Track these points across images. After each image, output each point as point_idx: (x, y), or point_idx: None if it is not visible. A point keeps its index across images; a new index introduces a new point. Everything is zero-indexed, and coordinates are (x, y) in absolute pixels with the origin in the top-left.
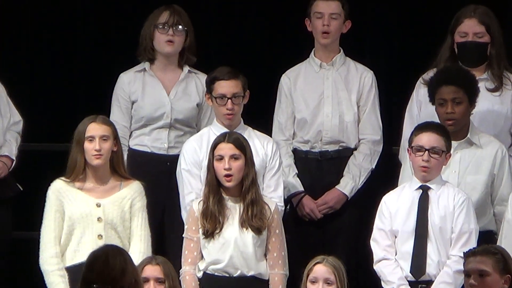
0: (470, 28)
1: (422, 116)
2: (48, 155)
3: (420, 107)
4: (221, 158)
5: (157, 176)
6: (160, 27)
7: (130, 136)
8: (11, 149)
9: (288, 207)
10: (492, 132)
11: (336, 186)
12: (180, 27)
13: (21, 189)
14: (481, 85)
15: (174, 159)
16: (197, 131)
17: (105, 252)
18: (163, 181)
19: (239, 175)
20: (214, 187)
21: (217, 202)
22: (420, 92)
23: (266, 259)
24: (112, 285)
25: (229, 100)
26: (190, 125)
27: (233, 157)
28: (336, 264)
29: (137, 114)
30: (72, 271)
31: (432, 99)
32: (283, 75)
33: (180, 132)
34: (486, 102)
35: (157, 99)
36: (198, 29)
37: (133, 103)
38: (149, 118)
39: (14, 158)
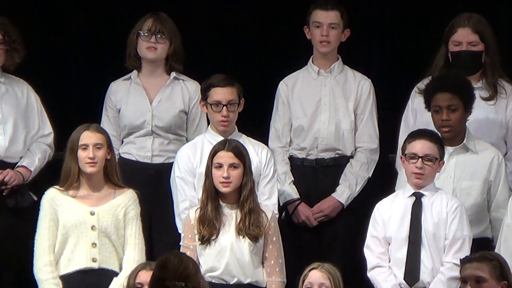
0: (464, 37)
1: (417, 124)
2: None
3: (415, 115)
4: (220, 166)
5: (142, 184)
6: (143, 34)
7: (122, 143)
8: (33, 160)
9: (283, 214)
10: (488, 141)
11: (332, 194)
12: (163, 35)
13: (35, 199)
14: (476, 93)
15: (158, 167)
16: (186, 139)
17: (178, 254)
18: (149, 190)
19: (237, 183)
20: (212, 193)
21: (215, 209)
22: (415, 101)
23: (264, 267)
24: (186, 281)
25: (225, 107)
26: (175, 132)
27: (232, 166)
28: (332, 270)
29: (121, 122)
30: (66, 279)
31: (428, 106)
32: (281, 82)
33: (165, 140)
34: (481, 110)
35: (138, 107)
36: (194, 36)
37: (119, 111)
38: (131, 126)
39: (33, 170)
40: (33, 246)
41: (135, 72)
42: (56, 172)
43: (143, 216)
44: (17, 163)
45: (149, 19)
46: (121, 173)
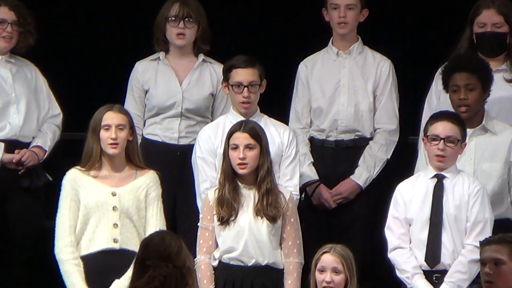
0: (489, 19)
1: (440, 106)
2: (63, 145)
3: (439, 97)
4: (236, 147)
5: (168, 165)
6: (171, 19)
7: (144, 125)
8: (45, 140)
9: (303, 195)
10: (510, 123)
11: (351, 177)
12: (191, 19)
13: (51, 179)
14: (500, 75)
15: (185, 148)
16: (211, 121)
17: (161, 233)
18: (174, 171)
19: (254, 164)
20: (230, 175)
21: (232, 190)
22: (438, 83)
23: (281, 248)
24: (167, 262)
25: (246, 88)
26: (203, 114)
27: (248, 147)
28: (345, 253)
29: (149, 103)
30: (87, 260)
31: (446, 87)
32: (300, 63)
33: (192, 122)
34: (505, 92)
35: (169, 88)
36: (215, 18)
37: (146, 92)
38: (161, 107)
39: (47, 150)
40: (54, 227)
41: (162, 53)
42: (78, 152)
43: (167, 197)
44: (29, 143)
45: (176, 3)
46: (145, 154)
